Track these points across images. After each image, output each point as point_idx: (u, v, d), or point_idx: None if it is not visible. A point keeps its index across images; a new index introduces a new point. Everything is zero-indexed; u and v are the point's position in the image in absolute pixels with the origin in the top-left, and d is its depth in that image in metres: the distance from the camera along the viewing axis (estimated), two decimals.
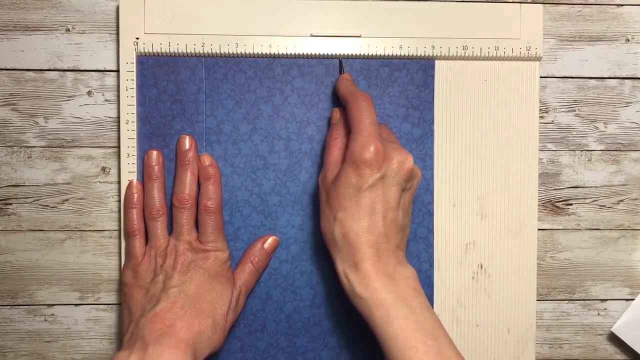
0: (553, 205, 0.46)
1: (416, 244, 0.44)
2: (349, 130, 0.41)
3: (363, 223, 0.37)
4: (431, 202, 0.44)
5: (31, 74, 0.44)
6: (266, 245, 0.43)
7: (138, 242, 0.41)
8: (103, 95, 0.44)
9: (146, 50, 0.43)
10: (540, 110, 0.46)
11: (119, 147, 0.44)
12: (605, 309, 0.47)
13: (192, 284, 0.39)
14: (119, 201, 0.43)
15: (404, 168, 0.37)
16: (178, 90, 0.43)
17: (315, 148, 0.44)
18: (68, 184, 0.44)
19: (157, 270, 0.40)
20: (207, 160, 0.42)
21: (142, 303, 0.39)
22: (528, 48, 0.44)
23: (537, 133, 0.45)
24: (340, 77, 0.43)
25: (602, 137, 0.46)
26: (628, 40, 0.46)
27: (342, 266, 0.37)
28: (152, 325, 0.37)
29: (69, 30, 0.44)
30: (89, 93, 0.44)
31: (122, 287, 0.41)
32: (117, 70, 0.44)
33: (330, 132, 0.41)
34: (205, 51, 0.43)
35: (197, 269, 0.40)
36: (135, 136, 0.43)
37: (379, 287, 0.36)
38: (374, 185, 0.37)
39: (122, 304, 0.41)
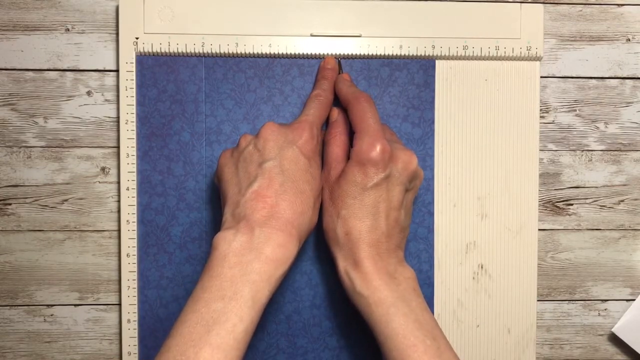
0: (553, 206, 0.46)
1: (416, 244, 0.44)
2: (348, 128, 0.41)
3: (366, 222, 0.37)
4: (431, 202, 0.44)
5: (31, 73, 0.44)
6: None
7: None
8: (103, 95, 0.44)
9: (146, 50, 0.42)
10: (540, 110, 0.45)
11: (118, 147, 0.43)
12: (605, 310, 0.47)
13: (285, 159, 0.37)
14: (119, 201, 0.43)
15: (409, 169, 0.37)
16: (178, 90, 0.43)
17: None
18: (67, 184, 0.44)
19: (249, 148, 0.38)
20: (329, 63, 0.43)
21: (235, 181, 0.37)
22: (528, 48, 0.44)
23: (537, 133, 0.45)
24: (339, 77, 0.42)
25: (602, 137, 0.46)
26: (629, 40, 0.46)
27: (343, 264, 0.37)
28: (254, 204, 0.35)
29: (68, 30, 0.44)
30: (89, 93, 0.44)
31: (217, 169, 0.39)
32: (117, 70, 0.44)
33: (328, 129, 0.41)
34: (205, 51, 0.43)
35: (291, 146, 0.37)
36: (134, 136, 0.43)
37: (380, 285, 0.36)
38: (378, 184, 0.37)
39: (219, 187, 0.39)
